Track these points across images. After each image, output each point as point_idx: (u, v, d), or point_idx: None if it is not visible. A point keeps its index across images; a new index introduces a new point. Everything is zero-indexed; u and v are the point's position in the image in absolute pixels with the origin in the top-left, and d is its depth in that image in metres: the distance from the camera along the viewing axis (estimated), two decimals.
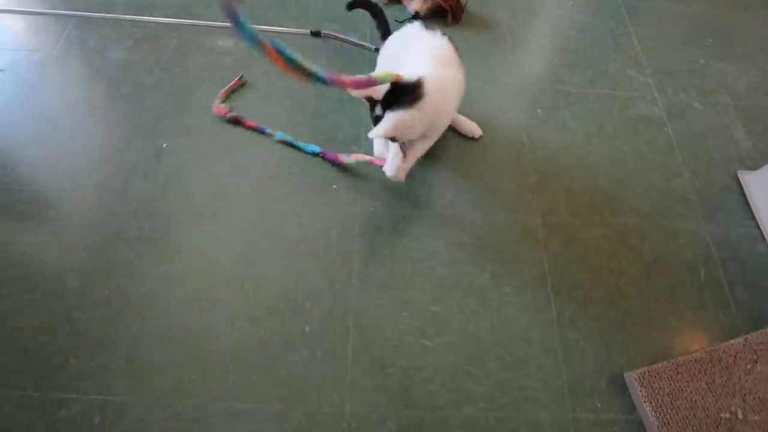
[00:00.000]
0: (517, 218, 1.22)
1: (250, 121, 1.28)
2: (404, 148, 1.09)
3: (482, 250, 1.16)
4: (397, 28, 1.25)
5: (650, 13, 1.75)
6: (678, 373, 1.01)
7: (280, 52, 0.88)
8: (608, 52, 1.60)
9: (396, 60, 1.13)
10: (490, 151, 1.33)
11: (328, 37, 1.50)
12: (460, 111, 1.28)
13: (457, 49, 1.15)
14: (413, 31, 1.18)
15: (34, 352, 0.95)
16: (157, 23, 1.47)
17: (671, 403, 0.98)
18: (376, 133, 1.01)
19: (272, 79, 1.39)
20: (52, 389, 0.92)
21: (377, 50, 1.48)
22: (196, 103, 1.31)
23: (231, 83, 1.34)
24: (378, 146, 1.21)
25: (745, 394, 1.00)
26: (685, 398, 0.99)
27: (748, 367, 1.03)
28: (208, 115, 1.30)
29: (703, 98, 1.52)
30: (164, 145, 1.23)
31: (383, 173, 1.12)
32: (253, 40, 0.85)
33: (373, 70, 1.42)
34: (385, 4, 1.58)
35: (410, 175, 1.15)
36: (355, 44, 1.50)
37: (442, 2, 1.56)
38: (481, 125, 1.34)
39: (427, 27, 1.17)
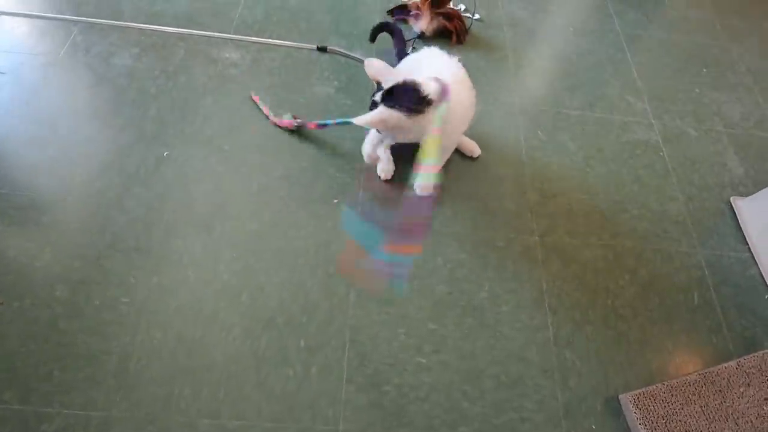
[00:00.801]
0: (516, 237, 1.22)
1: (312, 123, 1.27)
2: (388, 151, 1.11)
3: (481, 269, 1.16)
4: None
5: (648, 41, 1.80)
6: (672, 395, 1.02)
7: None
8: (607, 77, 1.64)
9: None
10: (490, 170, 1.34)
11: (334, 52, 1.52)
12: None
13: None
14: (429, 52, 1.21)
15: (18, 362, 0.93)
16: (165, 32, 1.48)
17: (665, 426, 0.98)
18: (362, 120, 1.03)
19: (277, 93, 1.40)
20: (35, 402, 0.89)
21: None
22: (199, 113, 1.32)
23: (260, 104, 1.34)
24: (367, 145, 1.23)
25: (737, 418, 1.00)
26: (680, 421, 0.99)
27: (741, 390, 1.04)
28: (211, 125, 1.30)
29: (698, 125, 1.55)
30: (165, 154, 1.23)
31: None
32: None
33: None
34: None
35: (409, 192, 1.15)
36: (361, 61, 1.52)
37: (447, 23, 1.59)
38: (482, 144, 1.35)
39: (446, 51, 1.20)
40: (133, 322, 0.99)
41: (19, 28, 1.44)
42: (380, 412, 0.96)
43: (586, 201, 1.32)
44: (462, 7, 1.71)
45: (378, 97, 1.06)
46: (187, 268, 1.07)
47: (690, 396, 1.02)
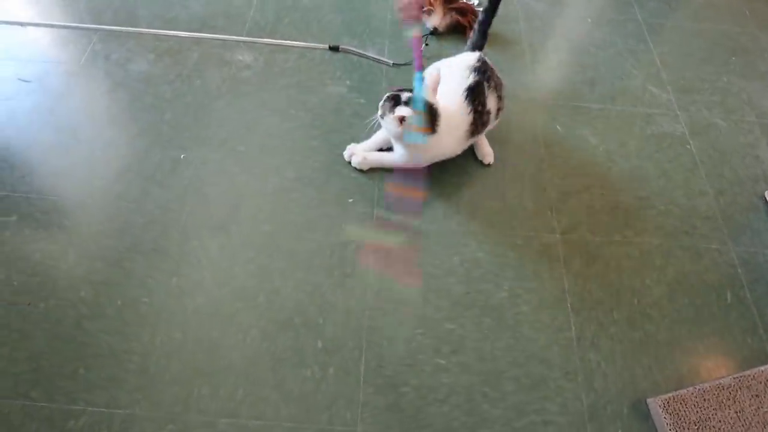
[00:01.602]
0: (536, 235, 1.19)
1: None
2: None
3: (499, 268, 1.13)
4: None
5: (671, 30, 1.73)
6: (705, 400, 0.97)
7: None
8: (628, 68, 1.58)
9: (442, 79, 1.14)
10: (508, 167, 1.31)
11: (346, 51, 1.52)
12: None
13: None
14: (459, 62, 1.22)
15: (44, 361, 0.95)
16: (180, 37, 1.50)
17: None
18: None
19: (290, 93, 1.40)
20: (60, 400, 0.91)
21: (395, 65, 1.50)
22: (214, 116, 1.33)
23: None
24: (376, 138, 1.27)
25: None
26: (713, 427, 0.94)
27: None
28: (226, 128, 1.31)
29: (727, 116, 1.48)
30: (182, 157, 1.25)
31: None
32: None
33: (390, 84, 1.43)
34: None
35: (426, 190, 1.14)
36: (373, 59, 1.51)
37: (460, 18, 1.57)
38: (499, 140, 1.32)
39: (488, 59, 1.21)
40: (153, 322, 1.01)
41: (44, 38, 1.49)
42: (398, 414, 0.94)
43: (609, 197, 1.28)
44: (475, 1, 1.68)
45: (405, 96, 1.10)
46: (205, 269, 1.08)
47: (724, 401, 0.97)
